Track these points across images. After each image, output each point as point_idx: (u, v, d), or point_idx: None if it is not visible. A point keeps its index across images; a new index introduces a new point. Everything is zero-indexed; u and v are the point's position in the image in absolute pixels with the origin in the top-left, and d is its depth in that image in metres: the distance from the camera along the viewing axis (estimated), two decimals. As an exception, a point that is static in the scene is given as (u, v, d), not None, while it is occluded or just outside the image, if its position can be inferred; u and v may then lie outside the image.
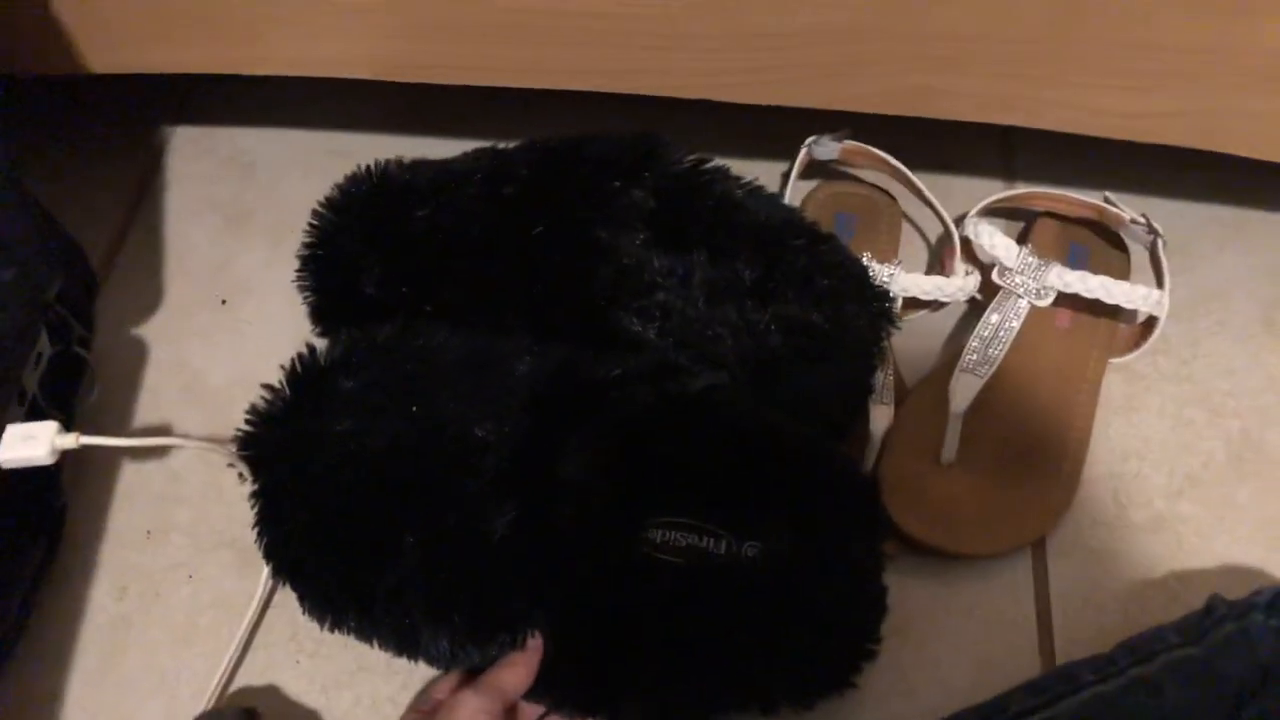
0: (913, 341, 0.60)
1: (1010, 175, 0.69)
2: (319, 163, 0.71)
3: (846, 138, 0.63)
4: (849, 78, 0.56)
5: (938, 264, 0.64)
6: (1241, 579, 0.53)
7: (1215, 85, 0.52)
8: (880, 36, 0.53)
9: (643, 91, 0.58)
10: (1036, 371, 0.57)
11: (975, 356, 0.55)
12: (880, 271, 0.57)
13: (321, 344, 0.50)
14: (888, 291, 0.55)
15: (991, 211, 0.63)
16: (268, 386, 0.48)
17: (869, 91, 0.57)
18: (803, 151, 0.63)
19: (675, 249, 0.54)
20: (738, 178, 0.57)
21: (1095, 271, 0.59)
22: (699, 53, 0.56)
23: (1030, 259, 0.57)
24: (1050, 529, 0.54)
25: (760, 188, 0.57)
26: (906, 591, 0.51)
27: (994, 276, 0.58)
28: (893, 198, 0.65)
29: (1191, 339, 0.61)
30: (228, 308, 0.65)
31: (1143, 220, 0.60)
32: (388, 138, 0.71)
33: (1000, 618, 0.52)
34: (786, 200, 0.62)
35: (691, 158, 0.56)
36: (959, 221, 0.62)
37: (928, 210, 0.62)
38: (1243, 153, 0.55)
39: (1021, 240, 0.62)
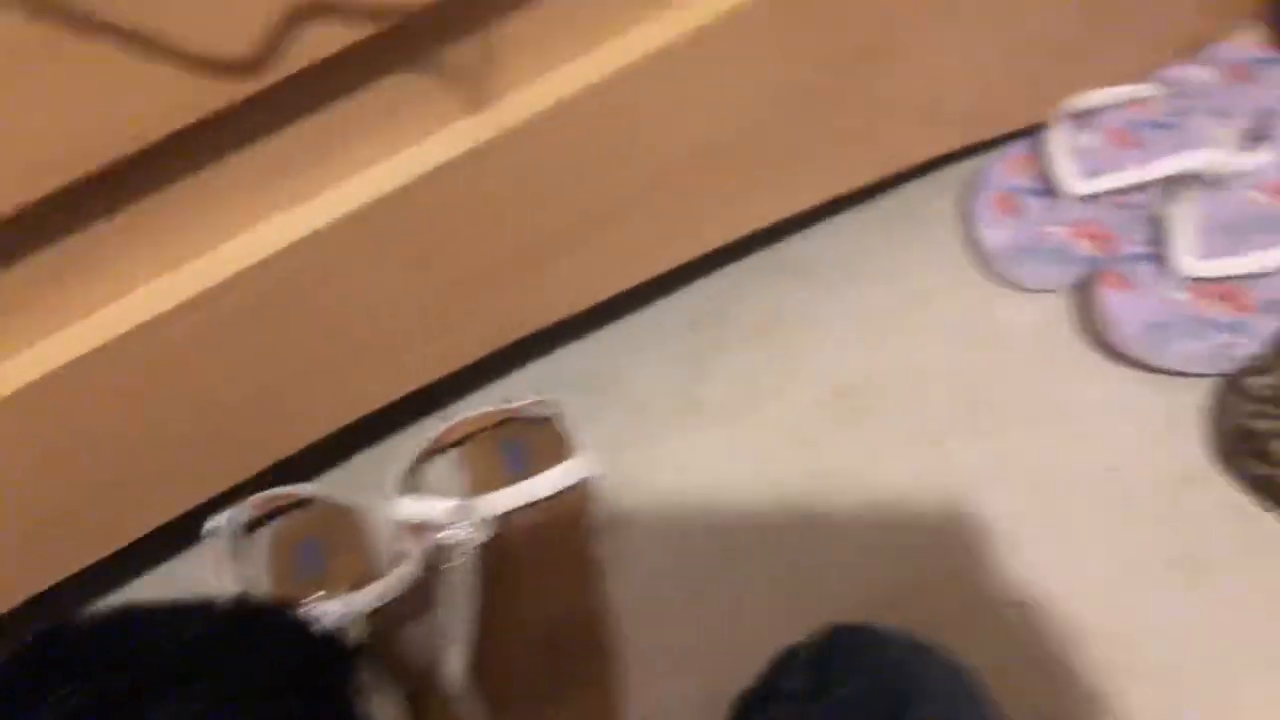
0: (412, 632, 0.57)
1: (440, 406, 0.68)
2: None
3: (248, 496, 0.60)
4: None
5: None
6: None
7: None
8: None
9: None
10: (525, 592, 0.57)
11: (448, 623, 0.53)
12: (330, 609, 0.54)
13: None
14: (331, 636, 0.52)
15: (426, 459, 0.63)
16: None
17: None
18: (209, 538, 0.60)
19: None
20: (160, 611, 0.52)
21: (539, 458, 0.60)
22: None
23: (454, 506, 0.57)
24: (616, 731, 0.53)
25: (181, 604, 0.52)
26: None
27: (437, 536, 0.57)
28: (347, 506, 0.63)
29: (640, 470, 0.62)
30: None
31: (536, 399, 0.62)
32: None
33: None
34: (243, 572, 0.59)
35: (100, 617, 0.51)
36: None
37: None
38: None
39: (463, 464, 0.63)
